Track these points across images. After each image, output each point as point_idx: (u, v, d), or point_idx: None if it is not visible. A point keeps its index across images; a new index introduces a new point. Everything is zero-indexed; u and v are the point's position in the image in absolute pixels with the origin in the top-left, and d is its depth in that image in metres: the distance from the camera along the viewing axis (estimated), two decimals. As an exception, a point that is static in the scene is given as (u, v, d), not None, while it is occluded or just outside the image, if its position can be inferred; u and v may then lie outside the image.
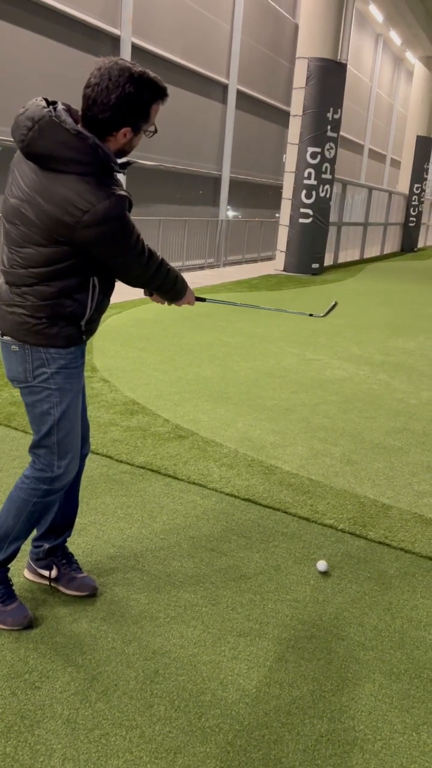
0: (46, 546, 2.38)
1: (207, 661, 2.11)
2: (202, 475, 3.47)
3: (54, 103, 1.88)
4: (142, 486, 3.30)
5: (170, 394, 4.80)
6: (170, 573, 2.58)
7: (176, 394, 4.81)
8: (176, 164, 14.60)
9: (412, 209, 23.52)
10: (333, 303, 2.79)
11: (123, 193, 1.88)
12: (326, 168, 13.46)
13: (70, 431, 2.12)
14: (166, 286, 2.18)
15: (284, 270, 14.02)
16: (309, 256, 13.92)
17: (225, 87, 16.46)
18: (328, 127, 13.16)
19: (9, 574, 2.26)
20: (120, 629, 2.23)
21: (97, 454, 3.61)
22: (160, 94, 1.91)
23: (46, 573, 2.41)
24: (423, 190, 23.54)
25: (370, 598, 2.53)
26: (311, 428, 4.36)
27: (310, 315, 2.84)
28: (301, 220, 13.63)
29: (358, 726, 1.90)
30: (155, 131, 2.00)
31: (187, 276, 12.77)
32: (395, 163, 31.62)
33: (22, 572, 2.49)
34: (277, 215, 14.68)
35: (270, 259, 17.14)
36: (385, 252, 22.03)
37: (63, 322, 2.00)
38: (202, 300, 2.49)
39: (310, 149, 13.18)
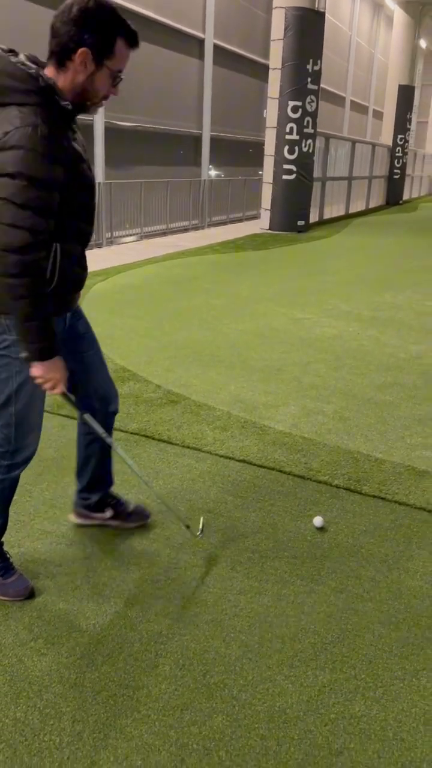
0: (95, 498, 2.56)
1: (209, 620, 2.15)
2: (196, 438, 3.48)
3: (12, 50, 1.81)
4: (137, 452, 3.31)
5: (160, 360, 4.78)
6: (168, 536, 2.60)
7: (166, 360, 4.80)
8: (155, 124, 14.26)
9: (396, 161, 23.21)
10: None
11: (59, 140, 1.75)
12: (308, 122, 13.21)
13: (30, 404, 2.03)
14: (30, 316, 1.83)
15: (270, 228, 13.87)
16: (294, 214, 13.76)
17: (201, 42, 16.01)
18: (309, 80, 12.87)
19: (5, 548, 2.28)
20: (122, 594, 2.25)
21: (90, 422, 3.61)
22: (125, 29, 1.82)
23: (100, 515, 2.60)
24: (407, 141, 23.20)
25: (366, 551, 2.56)
26: (303, 387, 4.37)
27: None
28: (284, 177, 13.43)
29: (360, 675, 1.94)
30: (120, 79, 1.87)
31: (171, 239, 12.61)
32: (378, 115, 31.05)
33: (69, 518, 2.66)
34: (260, 173, 14.45)
35: (255, 218, 16.92)
36: (370, 206, 21.81)
37: None
38: (71, 402, 2.15)
39: (291, 103, 12.90)
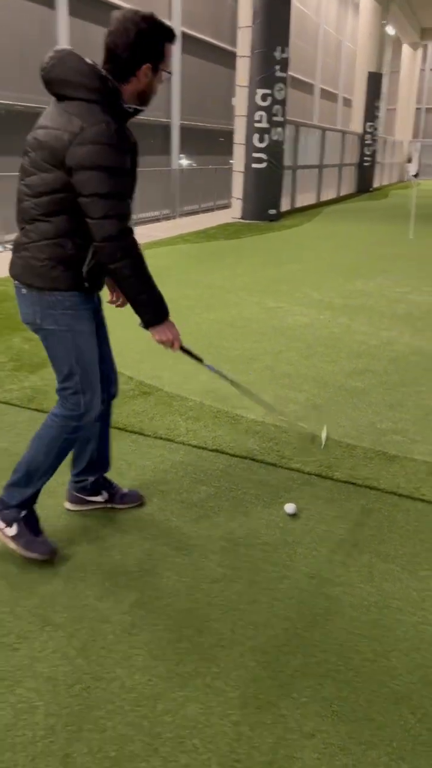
0: (91, 479, 2.65)
1: (182, 610, 2.15)
2: (168, 429, 3.48)
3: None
4: (109, 445, 3.30)
5: (131, 352, 4.76)
6: (141, 528, 2.60)
7: (138, 351, 4.77)
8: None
9: (366, 149, 23.30)
10: None
11: (124, 133, 2.01)
12: (277, 110, 13.18)
13: (89, 370, 2.26)
14: (139, 290, 2.13)
15: (242, 218, 13.86)
16: (265, 202, 13.75)
17: (168, 29, 15.86)
18: (277, 67, 12.83)
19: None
20: (94, 586, 2.25)
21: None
22: (170, 33, 2.09)
23: (95, 498, 2.69)
24: (376, 129, 23.29)
25: (338, 535, 2.59)
26: (275, 376, 4.38)
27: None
28: (254, 165, 13.41)
29: (330, 658, 1.97)
30: (170, 73, 2.18)
31: (142, 229, 12.52)
32: (348, 102, 31.11)
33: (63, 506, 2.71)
34: (231, 162, 14.39)
35: (227, 207, 16.87)
36: (341, 194, 21.88)
37: (62, 266, 2.11)
38: (190, 354, 2.41)
39: (260, 91, 12.87)
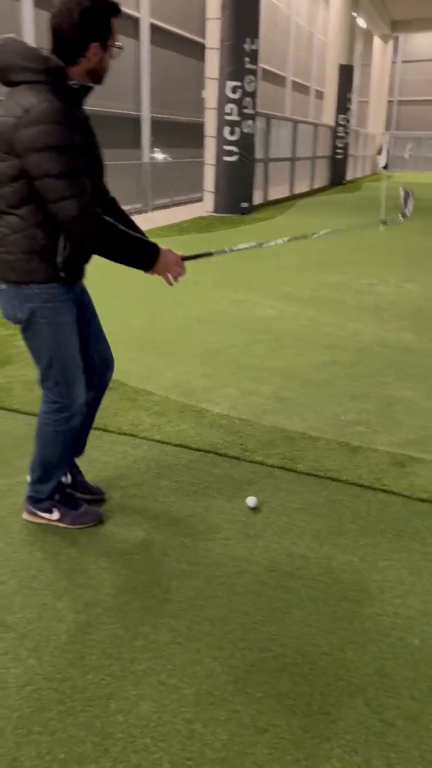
0: None
1: (139, 607, 2.13)
2: (132, 425, 3.45)
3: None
4: (71, 441, 3.25)
5: (98, 347, 4.70)
6: (99, 525, 2.57)
7: (104, 346, 4.72)
8: (92, 106, 13.92)
9: (338, 141, 23.33)
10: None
11: (72, 111, 1.98)
12: (248, 102, 13.11)
13: (69, 361, 2.28)
14: (118, 253, 2.14)
15: (214, 211, 13.79)
16: (238, 195, 13.70)
17: (136, 21, 15.71)
18: (247, 59, 12.76)
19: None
20: (50, 585, 2.22)
21: (23, 413, 3.53)
22: (114, 7, 2.05)
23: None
24: (348, 121, 23.34)
25: (299, 528, 2.58)
26: (241, 369, 4.36)
27: (384, 223, 2.70)
28: (226, 158, 13.35)
29: (287, 652, 1.96)
30: (121, 47, 2.12)
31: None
32: (320, 95, 31.13)
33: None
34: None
35: (200, 200, 16.81)
36: (314, 186, 21.90)
37: (37, 258, 2.10)
38: (198, 256, 2.40)
39: (230, 83, 12.79)
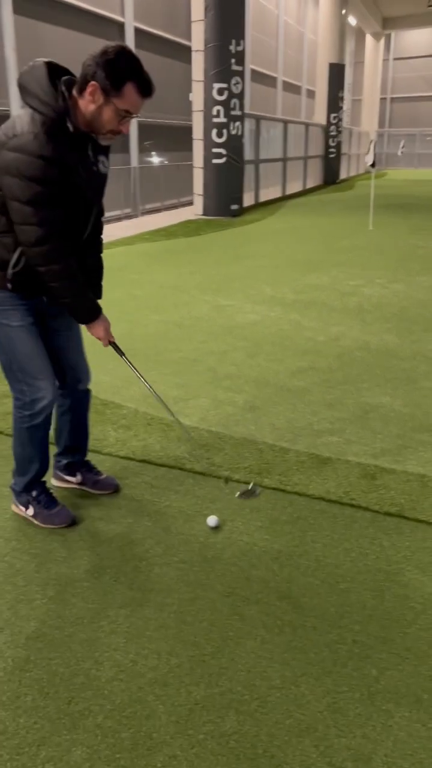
0: (64, 461, 2.83)
1: (83, 640, 2.01)
2: (96, 440, 3.33)
3: (66, 70, 2.14)
4: (31, 459, 3.14)
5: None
6: (51, 550, 2.45)
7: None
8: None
9: (331, 140, 23.19)
10: None
11: (59, 148, 2.01)
12: (235, 104, 13.02)
13: (25, 361, 2.34)
14: (65, 295, 2.23)
15: (204, 214, 13.68)
16: (227, 198, 13.59)
17: (121, 25, 15.63)
18: (233, 61, 12.66)
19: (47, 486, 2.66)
20: (-9, 618, 2.10)
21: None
22: (140, 77, 2.04)
23: (71, 479, 2.85)
24: (340, 120, 23.22)
25: (259, 548, 2.46)
26: (217, 378, 4.25)
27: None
28: (214, 161, 13.24)
29: (235, 687, 1.84)
30: (128, 119, 2.10)
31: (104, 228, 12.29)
32: (311, 94, 31.01)
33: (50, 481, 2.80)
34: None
35: (190, 204, 16.70)
36: (307, 186, 21.78)
37: None
38: (118, 350, 2.55)
39: (216, 85, 12.68)
